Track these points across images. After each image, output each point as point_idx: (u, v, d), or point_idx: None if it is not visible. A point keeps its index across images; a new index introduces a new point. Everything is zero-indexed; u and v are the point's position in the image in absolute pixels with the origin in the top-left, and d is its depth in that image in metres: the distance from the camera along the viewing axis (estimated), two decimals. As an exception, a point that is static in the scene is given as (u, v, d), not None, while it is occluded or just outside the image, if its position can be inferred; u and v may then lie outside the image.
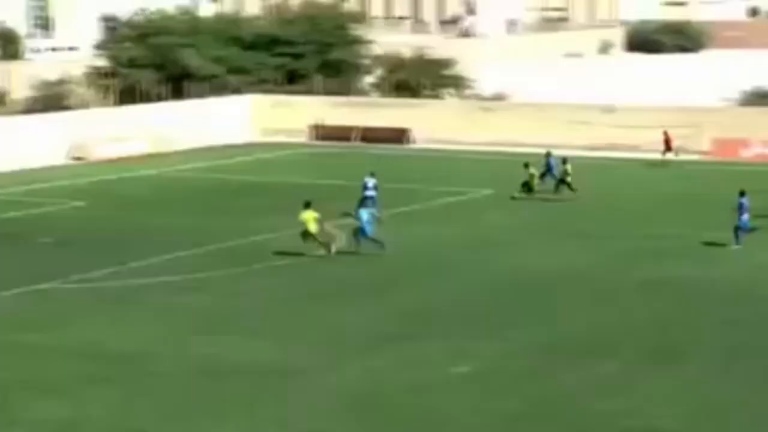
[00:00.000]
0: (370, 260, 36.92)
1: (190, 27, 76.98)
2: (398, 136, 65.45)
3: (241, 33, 77.60)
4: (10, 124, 61.05)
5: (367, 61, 78.30)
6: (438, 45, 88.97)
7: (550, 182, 47.59)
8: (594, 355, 27.14)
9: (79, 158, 60.45)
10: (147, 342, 28.33)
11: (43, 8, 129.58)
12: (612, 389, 24.90)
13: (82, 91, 73.54)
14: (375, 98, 73.39)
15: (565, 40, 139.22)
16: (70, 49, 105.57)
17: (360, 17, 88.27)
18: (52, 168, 56.68)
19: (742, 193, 37.98)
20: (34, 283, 33.70)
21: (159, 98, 70.33)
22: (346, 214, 38.30)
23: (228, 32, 77.54)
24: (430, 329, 29.26)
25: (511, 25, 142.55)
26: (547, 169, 48.25)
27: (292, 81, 75.35)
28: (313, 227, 36.98)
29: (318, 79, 73.68)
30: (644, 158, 56.92)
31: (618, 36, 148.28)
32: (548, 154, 49.11)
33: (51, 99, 69.82)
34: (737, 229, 37.66)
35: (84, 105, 70.64)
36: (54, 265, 36.02)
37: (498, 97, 73.75)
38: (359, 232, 37.30)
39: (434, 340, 28.40)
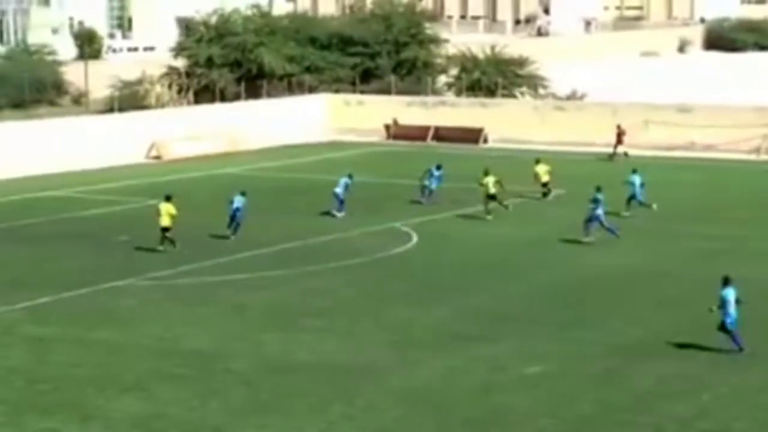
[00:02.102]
0: (441, 260, 36.97)
1: (266, 27, 77.57)
2: (472, 135, 65.36)
3: (316, 32, 78.02)
4: (89, 123, 62.01)
5: (441, 61, 78.29)
6: (513, 44, 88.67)
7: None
8: (667, 356, 26.92)
9: (156, 157, 61.22)
10: (220, 339, 28.64)
11: (122, 9, 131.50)
12: (686, 391, 24.67)
13: (160, 91, 74.44)
14: (449, 98, 73.39)
15: (642, 39, 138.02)
16: (148, 49, 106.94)
17: (435, 16, 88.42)
18: (130, 167, 57.45)
19: None
20: (110, 281, 34.23)
21: (235, 97, 70.98)
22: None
23: (303, 32, 78.05)
24: (501, 329, 29.22)
25: (587, 24, 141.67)
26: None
27: (367, 80, 75.60)
28: (166, 221, 37.32)
29: (392, 79, 73.87)
30: (722, 158, 56.27)
31: (696, 34, 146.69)
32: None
33: (129, 98, 70.77)
34: None
35: (161, 104, 71.50)
36: (130, 263, 36.57)
37: (573, 97, 73.34)
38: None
39: (505, 340, 28.36)
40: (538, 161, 47.51)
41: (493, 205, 43.00)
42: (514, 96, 74.15)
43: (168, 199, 37.83)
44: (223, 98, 71.23)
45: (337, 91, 72.20)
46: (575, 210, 45.73)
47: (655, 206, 43.50)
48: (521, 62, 76.25)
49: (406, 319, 30.36)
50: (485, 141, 65.56)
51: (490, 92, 73.00)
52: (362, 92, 72.35)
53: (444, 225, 41.92)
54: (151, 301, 32.35)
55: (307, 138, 66.05)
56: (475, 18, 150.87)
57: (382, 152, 63.18)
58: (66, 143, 57.43)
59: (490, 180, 43.07)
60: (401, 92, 71.78)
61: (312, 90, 72.33)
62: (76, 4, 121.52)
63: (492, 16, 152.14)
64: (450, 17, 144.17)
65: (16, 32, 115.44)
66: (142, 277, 34.74)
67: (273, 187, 51.89)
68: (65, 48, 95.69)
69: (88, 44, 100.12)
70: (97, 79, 77.39)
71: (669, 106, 63.70)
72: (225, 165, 58.01)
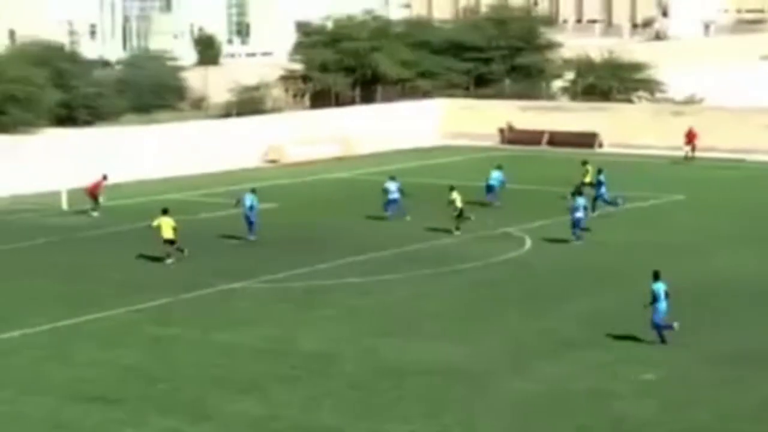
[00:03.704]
0: (554, 265, 36.83)
1: (380, 32, 77.98)
2: (587, 140, 64.87)
3: (430, 37, 78.18)
4: (208, 127, 63.07)
5: (556, 65, 77.81)
6: (629, 48, 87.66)
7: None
8: (785, 366, 26.47)
9: (272, 161, 62.00)
10: (333, 342, 28.94)
11: (241, 15, 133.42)
12: (803, 402, 24.23)
13: (277, 95, 75.32)
14: (564, 102, 72.93)
15: (762, 42, 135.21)
16: (265, 54, 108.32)
17: (550, 21, 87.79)
18: (247, 170, 58.26)
19: None
20: (227, 283, 34.83)
21: (350, 102, 71.51)
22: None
23: (417, 36, 78.23)
24: (613, 335, 29.01)
25: (706, 27, 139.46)
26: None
27: (481, 85, 75.52)
28: (169, 234, 37.32)
29: (506, 83, 73.63)
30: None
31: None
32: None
33: (247, 103, 71.70)
34: None
35: (278, 109, 72.36)
36: (245, 265, 37.14)
37: (690, 101, 72.28)
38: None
39: (618, 346, 28.16)
40: (585, 162, 47.85)
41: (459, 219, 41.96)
42: (630, 100, 73.35)
43: (165, 212, 38.06)
44: (339, 102, 71.82)
45: (450, 95, 72.28)
46: (694, 215, 45.22)
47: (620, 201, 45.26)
48: (638, 66, 75.37)
49: (519, 324, 30.33)
50: (600, 146, 65.02)
51: (606, 96, 72.33)
52: (476, 97, 72.30)
53: (558, 230, 41.75)
54: (265, 304, 32.84)
55: (420, 142, 66.24)
56: (591, 21, 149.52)
57: (495, 157, 63.04)
58: (185, 147, 58.51)
59: (456, 196, 42.09)
60: (515, 96, 71.56)
61: (426, 95, 72.52)
62: (197, 10, 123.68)
63: (608, 20, 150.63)
64: (565, 21, 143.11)
65: (138, 38, 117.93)
66: (257, 280, 35.28)
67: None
68: (186, 53, 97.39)
69: (207, 50, 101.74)
70: (216, 84, 78.59)
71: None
72: (339, 169, 58.50)
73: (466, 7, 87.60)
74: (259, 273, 35.90)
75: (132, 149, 56.54)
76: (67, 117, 63.28)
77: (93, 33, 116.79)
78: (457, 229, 41.75)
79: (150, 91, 72.48)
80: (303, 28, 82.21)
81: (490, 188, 47.74)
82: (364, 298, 33.27)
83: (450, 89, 73.70)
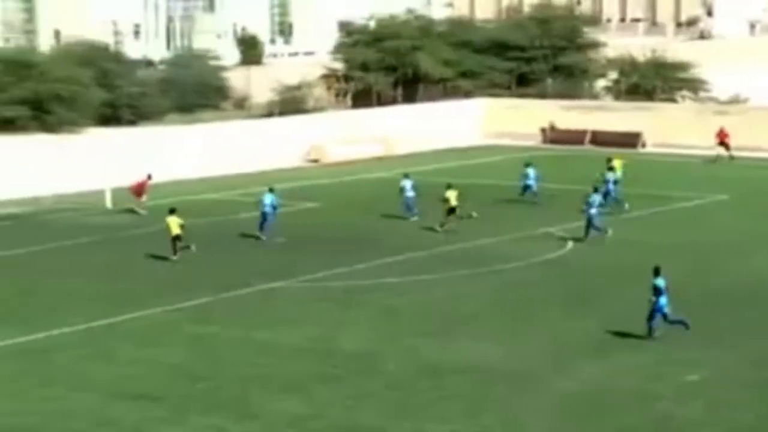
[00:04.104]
0: (596, 265, 36.65)
1: (422, 31, 77.96)
2: (630, 140, 64.52)
3: (472, 37, 78.05)
4: (250, 126, 63.29)
5: (599, 65, 77.44)
6: (673, 47, 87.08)
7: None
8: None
9: (314, 160, 62.12)
10: (373, 342, 28.94)
11: (284, 15, 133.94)
12: None
13: (319, 95, 75.48)
14: (606, 102, 72.57)
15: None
16: (307, 54, 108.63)
17: (593, 20, 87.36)
18: (289, 170, 58.41)
19: None
20: (267, 282, 34.92)
21: (391, 101, 71.51)
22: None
23: (459, 36, 78.14)
24: (655, 336, 28.80)
25: (751, 27, 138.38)
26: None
27: (523, 84, 75.29)
28: (176, 230, 37.99)
29: (549, 83, 73.36)
30: None
31: None
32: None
33: (289, 102, 71.92)
34: None
35: (320, 108, 72.51)
36: (284, 265, 37.21)
37: (735, 101, 71.70)
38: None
39: (660, 346, 27.97)
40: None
41: (452, 217, 42.03)
42: (673, 100, 72.88)
43: (172, 212, 38.74)
44: (380, 102, 71.84)
45: (492, 95, 72.13)
46: (738, 215, 44.85)
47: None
48: (682, 66, 74.85)
49: (560, 324, 30.20)
50: (643, 145, 64.65)
51: (649, 96, 71.90)
52: (518, 96, 72.09)
53: (600, 230, 41.44)
54: (305, 303, 32.89)
55: (462, 142, 66.12)
56: (635, 20, 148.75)
57: (537, 156, 62.78)
58: (227, 146, 58.75)
59: (452, 194, 42.22)
60: (558, 96, 71.28)
61: (467, 94, 72.41)
62: (240, 10, 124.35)
63: (652, 19, 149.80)
64: (609, 20, 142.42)
65: (182, 37, 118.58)
66: (297, 279, 35.34)
67: (431, 190, 52.07)
68: (228, 53, 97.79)
69: (250, 49, 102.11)
70: (259, 83, 78.87)
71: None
72: (379, 169, 58.49)
73: (509, 7, 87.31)
74: (298, 273, 35.96)
75: (175, 149, 56.84)
76: (110, 116, 63.74)
77: (137, 33, 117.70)
78: (442, 225, 41.82)
79: (193, 90, 72.85)
80: (345, 28, 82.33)
81: (527, 187, 47.53)
82: (403, 297, 33.24)
83: (492, 89, 73.54)
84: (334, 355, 27.99)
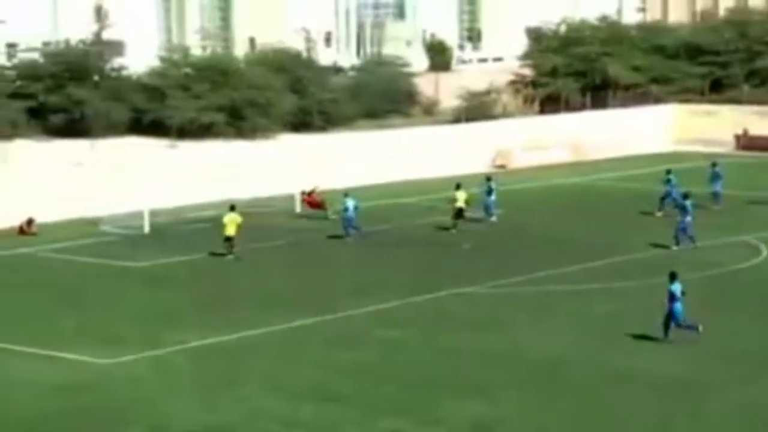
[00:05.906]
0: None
1: (612, 36, 77.04)
2: (829, 146, 62.35)
3: (664, 41, 76.73)
4: (438, 133, 63.65)
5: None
6: None
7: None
8: None
9: (501, 166, 62.06)
10: (562, 348, 28.79)
11: (473, 21, 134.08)
12: None
13: (507, 101, 75.38)
14: (805, 107, 70.17)
15: None
16: (496, 60, 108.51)
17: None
18: (475, 176, 58.37)
19: None
20: (455, 287, 35.11)
21: (580, 107, 70.89)
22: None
23: (650, 41, 76.93)
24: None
25: None
26: None
27: (716, 89, 73.59)
28: (231, 230, 38.36)
29: (744, 88, 71.47)
30: None
31: None
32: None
33: (477, 108, 72.00)
34: None
35: (508, 114, 72.38)
36: (474, 270, 37.32)
37: None
38: None
39: None
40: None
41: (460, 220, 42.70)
42: None
43: (232, 209, 39.21)
44: (569, 108, 71.28)
45: (684, 100, 70.71)
46: None
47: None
48: None
49: (753, 334, 29.49)
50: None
51: None
52: (711, 102, 70.47)
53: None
54: (494, 308, 32.95)
55: (652, 148, 65.01)
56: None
57: (730, 163, 61.29)
58: (416, 152, 59.21)
59: (461, 195, 42.33)
60: (754, 102, 69.35)
61: (657, 100, 71.20)
62: (430, 17, 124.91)
63: None
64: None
65: (372, 44, 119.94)
66: (485, 285, 35.41)
67: (618, 197, 51.51)
68: (418, 60, 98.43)
69: (439, 55, 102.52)
70: (447, 89, 79.23)
71: None
72: (569, 174, 58.04)
73: (704, 10, 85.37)
74: (487, 278, 36.02)
75: (364, 154, 57.57)
76: (300, 123, 65.00)
77: (328, 40, 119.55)
78: (454, 227, 42.42)
79: (382, 96, 73.59)
80: (534, 34, 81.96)
81: (716, 195, 46.61)
82: (594, 305, 32.97)
83: (683, 94, 72.13)
84: (522, 361, 27.95)
